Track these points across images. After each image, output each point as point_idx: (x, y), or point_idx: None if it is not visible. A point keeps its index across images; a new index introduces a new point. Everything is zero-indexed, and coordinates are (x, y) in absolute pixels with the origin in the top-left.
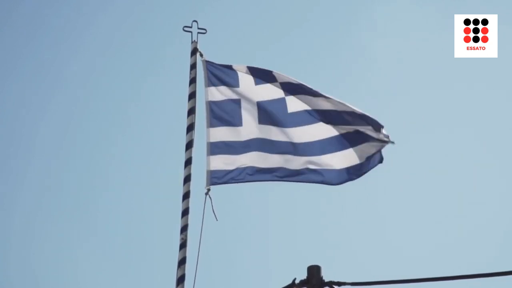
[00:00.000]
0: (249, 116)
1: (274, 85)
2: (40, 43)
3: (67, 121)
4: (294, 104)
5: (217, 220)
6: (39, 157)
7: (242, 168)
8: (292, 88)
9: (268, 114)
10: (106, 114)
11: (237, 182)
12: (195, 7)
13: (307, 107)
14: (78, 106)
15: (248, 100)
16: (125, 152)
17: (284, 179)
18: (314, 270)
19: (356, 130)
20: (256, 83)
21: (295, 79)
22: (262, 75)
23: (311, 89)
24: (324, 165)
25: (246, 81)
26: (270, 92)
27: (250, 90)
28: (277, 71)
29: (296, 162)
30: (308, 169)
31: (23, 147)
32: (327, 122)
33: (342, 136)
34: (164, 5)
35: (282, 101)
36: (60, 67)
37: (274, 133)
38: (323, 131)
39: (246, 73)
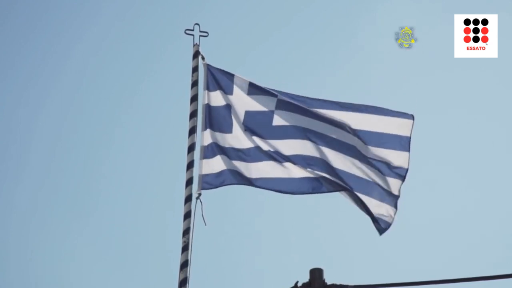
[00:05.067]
0: (237, 125)
1: (269, 98)
2: (39, 44)
3: (68, 124)
4: (282, 119)
5: (205, 225)
6: (38, 158)
7: (233, 170)
8: (288, 107)
9: (253, 124)
10: (107, 117)
11: (228, 185)
12: (197, 10)
13: (296, 124)
14: (78, 107)
15: (237, 108)
16: (126, 155)
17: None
18: (316, 273)
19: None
20: (249, 93)
21: (301, 101)
22: (261, 93)
23: (315, 110)
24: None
25: (239, 90)
26: (260, 103)
27: (241, 99)
28: (284, 90)
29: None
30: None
31: (21, 147)
32: (323, 145)
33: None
34: (166, 8)
35: (269, 114)
36: (59, 69)
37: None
38: (307, 148)
39: (244, 84)
